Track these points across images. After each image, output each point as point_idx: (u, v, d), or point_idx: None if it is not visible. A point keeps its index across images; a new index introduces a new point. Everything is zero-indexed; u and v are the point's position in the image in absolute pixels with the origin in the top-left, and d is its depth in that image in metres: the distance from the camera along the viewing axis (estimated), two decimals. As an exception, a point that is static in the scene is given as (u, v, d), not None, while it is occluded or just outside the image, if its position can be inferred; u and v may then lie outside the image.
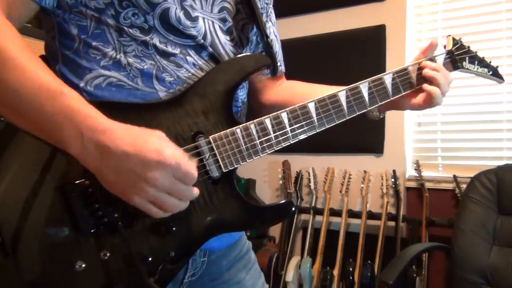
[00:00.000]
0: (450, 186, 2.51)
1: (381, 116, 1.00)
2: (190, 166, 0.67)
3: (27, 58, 0.66)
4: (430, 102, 0.93)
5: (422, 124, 2.71)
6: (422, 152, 2.71)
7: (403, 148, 2.69)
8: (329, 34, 2.87)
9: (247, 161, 0.79)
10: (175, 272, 0.77)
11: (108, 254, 0.72)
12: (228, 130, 0.78)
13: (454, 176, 2.47)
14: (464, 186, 2.26)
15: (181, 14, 0.80)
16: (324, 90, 0.89)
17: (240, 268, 0.96)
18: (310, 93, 0.88)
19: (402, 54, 2.65)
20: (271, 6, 1.04)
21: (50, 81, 0.66)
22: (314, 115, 0.84)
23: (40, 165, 0.70)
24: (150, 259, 0.73)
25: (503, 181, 2.08)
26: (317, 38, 2.90)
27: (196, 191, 0.70)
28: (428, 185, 2.55)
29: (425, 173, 2.58)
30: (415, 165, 2.58)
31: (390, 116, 2.63)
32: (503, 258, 1.99)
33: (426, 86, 0.92)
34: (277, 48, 1.04)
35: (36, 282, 0.69)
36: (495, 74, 1.06)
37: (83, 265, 0.70)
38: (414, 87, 0.93)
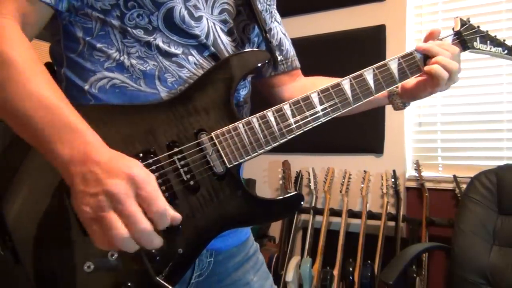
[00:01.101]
0: (450, 186, 2.51)
1: (406, 106, 0.99)
2: (161, 194, 0.61)
3: (33, 72, 0.66)
4: (433, 83, 0.90)
5: (422, 124, 2.71)
6: (422, 152, 2.71)
7: (403, 148, 2.69)
8: (329, 34, 2.87)
9: (252, 155, 0.79)
10: (185, 270, 0.77)
11: (115, 254, 0.71)
12: (230, 126, 0.78)
13: (454, 176, 2.48)
14: (464, 186, 2.27)
15: (185, 14, 0.81)
16: None
17: (248, 269, 0.95)
18: None
19: (402, 54, 2.65)
20: (274, 6, 1.04)
21: (49, 97, 0.65)
22: (317, 105, 0.83)
23: (47, 170, 0.70)
24: (158, 257, 0.73)
25: (503, 181, 2.08)
26: (318, 38, 2.90)
27: (159, 240, 0.62)
28: (428, 185, 2.55)
29: (425, 173, 2.58)
30: (415, 165, 2.58)
31: (390, 116, 2.64)
32: (503, 258, 1.99)
33: (425, 67, 0.90)
34: (288, 45, 1.05)
35: (46, 284, 0.69)
36: (511, 53, 1.01)
37: (92, 266, 0.70)
38: (422, 71, 0.91)
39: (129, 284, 0.71)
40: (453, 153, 2.63)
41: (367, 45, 2.73)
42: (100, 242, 0.60)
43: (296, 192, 0.85)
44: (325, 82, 1.04)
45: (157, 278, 0.71)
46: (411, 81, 0.92)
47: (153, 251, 0.72)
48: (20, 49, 0.68)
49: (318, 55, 2.87)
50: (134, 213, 0.58)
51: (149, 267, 0.70)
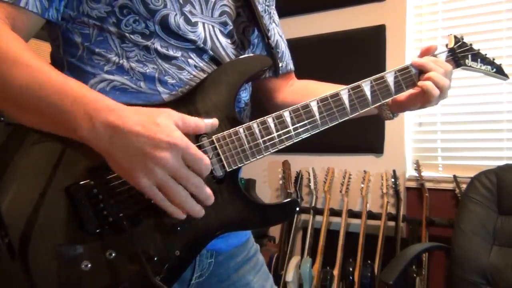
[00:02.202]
0: (450, 186, 2.52)
1: (394, 117, 1.01)
2: (200, 151, 0.68)
3: (31, 57, 0.68)
4: (424, 98, 0.92)
5: (422, 124, 2.71)
6: (422, 152, 2.72)
7: (403, 148, 2.69)
8: (329, 34, 2.87)
9: (251, 160, 0.79)
10: (182, 271, 0.77)
11: (113, 254, 0.72)
12: (231, 130, 0.78)
13: (454, 176, 2.48)
14: (464, 186, 2.27)
15: (180, 20, 0.81)
16: (336, 89, 0.88)
17: (248, 269, 0.96)
18: (322, 94, 0.88)
19: (402, 54, 2.65)
20: (273, 7, 1.05)
21: (54, 74, 0.68)
22: (316, 114, 0.84)
23: (45, 168, 0.71)
24: (155, 258, 0.74)
25: (503, 181, 2.08)
26: (317, 38, 2.90)
27: (208, 191, 0.70)
28: (428, 185, 2.55)
29: (425, 173, 2.58)
30: (415, 165, 2.58)
31: (390, 116, 2.65)
32: (503, 258, 1.99)
33: (419, 82, 0.93)
34: (283, 47, 1.05)
35: (43, 282, 0.69)
36: (499, 71, 1.05)
37: (89, 265, 0.71)
38: (416, 85, 0.93)
39: (126, 284, 0.72)
40: (453, 153, 2.63)
41: (367, 45, 2.73)
42: (161, 202, 0.68)
43: (291, 198, 0.87)
44: (316, 86, 1.05)
45: (155, 279, 0.71)
46: (403, 94, 0.94)
47: (150, 252, 0.73)
48: (12, 39, 0.69)
49: (318, 55, 2.88)
50: (188, 175, 0.67)
51: (147, 267, 0.71)
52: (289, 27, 2.90)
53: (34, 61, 0.68)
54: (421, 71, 0.93)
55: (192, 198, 0.69)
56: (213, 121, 0.73)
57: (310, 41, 2.91)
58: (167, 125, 0.66)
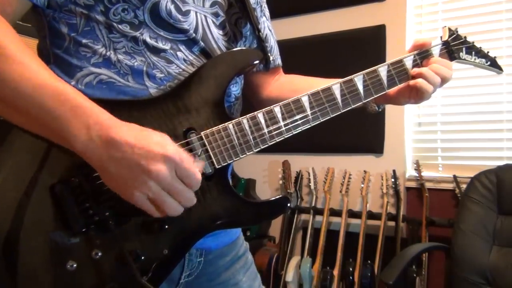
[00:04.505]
0: (450, 186, 2.51)
1: (379, 110, 0.99)
2: (193, 166, 0.68)
3: (28, 56, 0.67)
4: (417, 94, 0.92)
5: (422, 124, 2.70)
6: (422, 152, 2.71)
7: (403, 148, 2.68)
8: (329, 34, 2.87)
9: (240, 156, 0.78)
10: (169, 270, 0.76)
11: (99, 253, 0.71)
12: (220, 126, 0.77)
13: (454, 176, 2.47)
14: (464, 186, 2.26)
15: (172, 7, 0.79)
16: (321, 84, 0.87)
17: (237, 269, 0.95)
18: (307, 88, 0.87)
19: (402, 54, 2.64)
20: (264, 0, 1.04)
21: (51, 78, 0.67)
22: (308, 109, 0.83)
23: (30, 165, 0.70)
24: (142, 257, 0.73)
25: (503, 181, 2.07)
26: (317, 38, 2.90)
27: (195, 200, 0.70)
28: (428, 185, 2.54)
29: (425, 173, 2.57)
30: (415, 165, 2.58)
31: (390, 116, 2.65)
32: (503, 258, 1.98)
33: (410, 81, 0.92)
34: (272, 42, 1.04)
35: (27, 282, 0.68)
36: (494, 64, 1.04)
37: (75, 265, 0.70)
38: (410, 79, 0.92)
39: (113, 284, 0.71)
40: (453, 153, 2.63)
41: (367, 45, 2.73)
42: (156, 214, 0.68)
43: (282, 195, 0.85)
44: (301, 80, 1.04)
45: (141, 279, 0.70)
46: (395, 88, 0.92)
47: (138, 251, 0.73)
48: (7, 33, 0.67)
49: (318, 55, 2.88)
50: (181, 190, 0.67)
51: (133, 267, 0.70)
52: (289, 27, 2.90)
53: (31, 62, 0.66)
54: (417, 65, 0.92)
55: (181, 207, 0.69)
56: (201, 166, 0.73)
57: (310, 41, 2.90)
58: (161, 139, 0.66)
